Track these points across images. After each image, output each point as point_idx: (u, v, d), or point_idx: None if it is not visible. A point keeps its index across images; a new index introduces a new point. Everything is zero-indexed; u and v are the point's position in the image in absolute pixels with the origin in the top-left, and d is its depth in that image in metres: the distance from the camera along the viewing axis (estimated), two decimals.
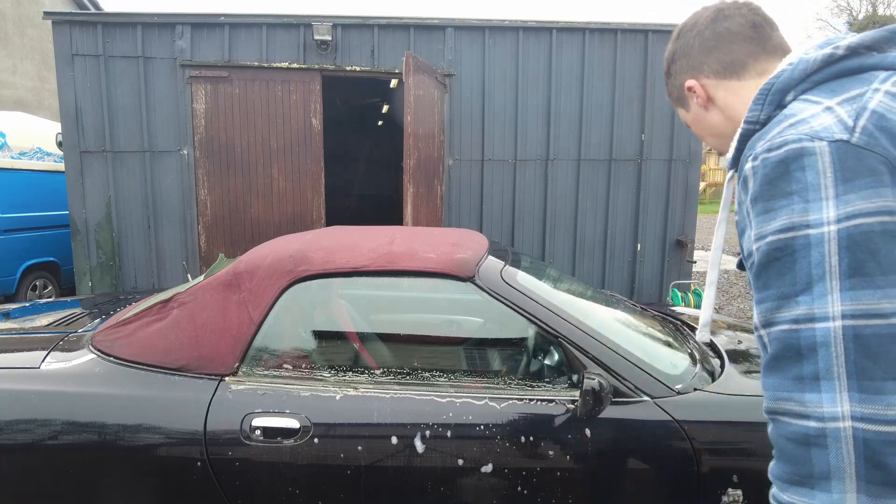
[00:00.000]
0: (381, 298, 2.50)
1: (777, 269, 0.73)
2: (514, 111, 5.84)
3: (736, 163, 0.93)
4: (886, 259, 0.68)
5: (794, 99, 0.82)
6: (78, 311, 2.59)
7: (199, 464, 1.67)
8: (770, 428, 0.75)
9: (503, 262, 1.98)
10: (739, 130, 0.89)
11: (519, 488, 1.65)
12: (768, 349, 0.75)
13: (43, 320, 2.42)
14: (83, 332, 2.14)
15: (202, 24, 5.54)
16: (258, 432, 1.67)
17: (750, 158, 0.78)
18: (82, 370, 1.79)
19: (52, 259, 6.46)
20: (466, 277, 1.83)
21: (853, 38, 0.81)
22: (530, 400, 1.70)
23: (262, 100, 5.67)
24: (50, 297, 6.47)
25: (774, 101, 0.83)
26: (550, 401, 1.70)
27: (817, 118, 0.75)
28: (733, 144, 0.92)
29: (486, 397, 1.70)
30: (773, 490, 0.75)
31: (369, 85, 8.71)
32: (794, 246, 0.71)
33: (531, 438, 1.65)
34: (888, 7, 27.46)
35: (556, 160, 5.91)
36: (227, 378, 1.75)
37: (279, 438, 1.67)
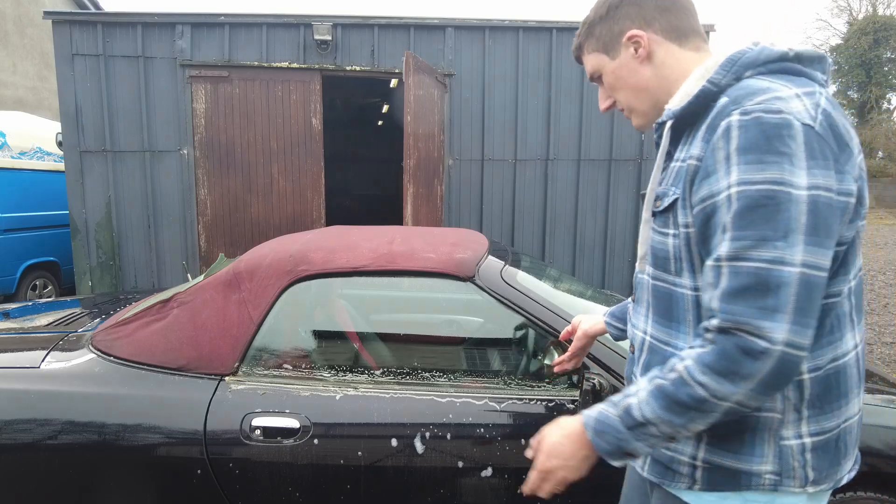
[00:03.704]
0: (381, 298, 2.50)
1: (763, 214, 0.84)
2: (514, 111, 5.84)
3: (684, 115, 0.99)
4: (827, 227, 0.85)
5: (750, 77, 0.94)
6: (78, 310, 2.59)
7: (199, 464, 1.67)
8: (719, 336, 0.87)
9: (503, 262, 1.98)
10: (699, 86, 0.97)
11: (519, 489, 1.65)
12: (726, 279, 0.87)
13: (43, 320, 2.42)
14: (83, 331, 2.14)
15: (202, 24, 5.54)
16: (258, 432, 1.67)
17: (738, 112, 0.88)
18: (82, 370, 1.79)
19: (52, 259, 6.46)
20: (466, 277, 1.83)
21: (798, 48, 0.96)
22: (530, 400, 1.70)
23: (262, 100, 5.67)
24: (50, 296, 6.47)
25: (737, 72, 0.95)
26: (550, 401, 1.70)
27: (793, 101, 0.87)
28: (686, 98, 0.99)
29: (486, 397, 1.70)
30: (689, 366, 0.89)
31: (369, 85, 8.71)
32: (780, 198, 0.84)
33: (531, 439, 1.65)
34: (888, 7, 27.42)
35: (556, 160, 5.91)
36: (227, 378, 1.75)
37: (279, 438, 1.67)
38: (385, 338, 2.16)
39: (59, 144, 6.75)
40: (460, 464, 1.65)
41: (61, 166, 5.95)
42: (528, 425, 1.66)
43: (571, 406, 1.68)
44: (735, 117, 0.87)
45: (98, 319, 2.33)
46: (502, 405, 1.69)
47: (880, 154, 25.88)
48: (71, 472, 1.70)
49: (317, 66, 5.66)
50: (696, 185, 0.93)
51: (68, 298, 3.25)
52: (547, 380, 1.77)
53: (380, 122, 12.68)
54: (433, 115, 5.30)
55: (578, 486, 1.66)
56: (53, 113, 9.81)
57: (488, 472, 1.65)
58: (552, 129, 5.86)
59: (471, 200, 5.92)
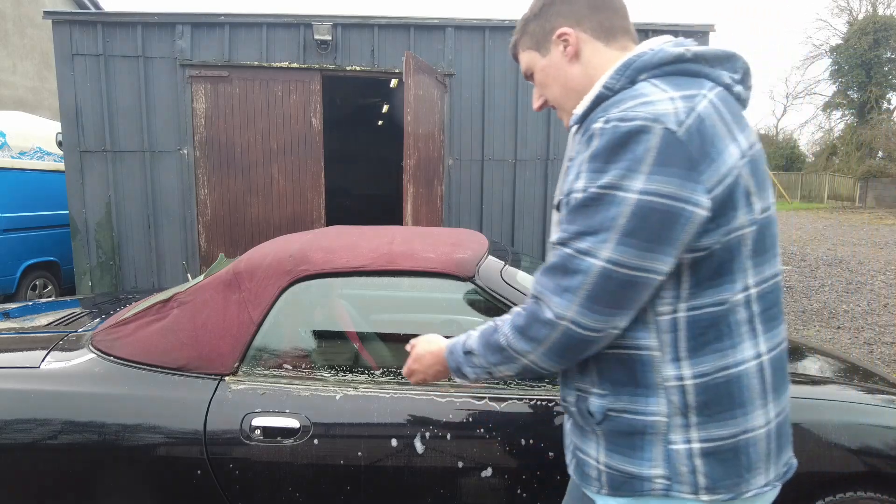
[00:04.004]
0: (381, 298, 2.50)
1: (585, 212, 0.93)
2: (514, 111, 5.84)
3: (584, 118, 1.03)
4: (655, 232, 0.89)
5: (645, 80, 0.97)
6: (78, 310, 2.59)
7: (199, 464, 1.67)
8: (530, 300, 0.99)
9: (503, 262, 1.98)
10: (596, 92, 1.00)
11: (518, 490, 1.65)
12: (552, 259, 0.97)
13: (43, 320, 2.42)
14: (83, 331, 2.14)
15: (202, 24, 5.54)
16: (258, 432, 1.67)
17: (602, 120, 0.92)
18: (82, 370, 1.79)
19: (52, 259, 6.46)
20: (466, 277, 1.82)
21: (699, 48, 0.98)
22: (530, 400, 1.70)
23: (262, 100, 5.67)
24: (50, 296, 6.47)
25: (631, 76, 0.98)
26: (550, 401, 1.70)
27: (662, 104, 0.90)
28: (585, 103, 1.02)
29: (485, 397, 1.70)
30: (507, 318, 1.04)
31: (369, 85, 8.72)
32: (605, 200, 0.90)
33: (531, 439, 1.65)
34: (888, 7, 27.42)
35: (556, 160, 5.91)
36: (227, 378, 1.75)
37: (279, 438, 1.67)
38: (385, 338, 2.15)
39: (59, 144, 6.75)
40: (460, 464, 1.65)
41: (61, 166, 5.95)
42: (529, 425, 1.66)
43: None
44: (598, 125, 0.92)
45: (98, 319, 2.33)
46: (502, 405, 1.69)
47: (880, 154, 25.87)
48: (71, 473, 1.70)
49: (317, 66, 5.66)
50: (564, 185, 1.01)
51: (68, 298, 3.25)
52: (546, 379, 1.77)
53: (380, 122, 12.68)
54: (433, 115, 5.30)
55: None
56: (53, 113, 9.81)
57: (488, 472, 1.65)
58: (552, 129, 5.86)
59: (471, 200, 5.92)
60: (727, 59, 0.99)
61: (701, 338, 0.95)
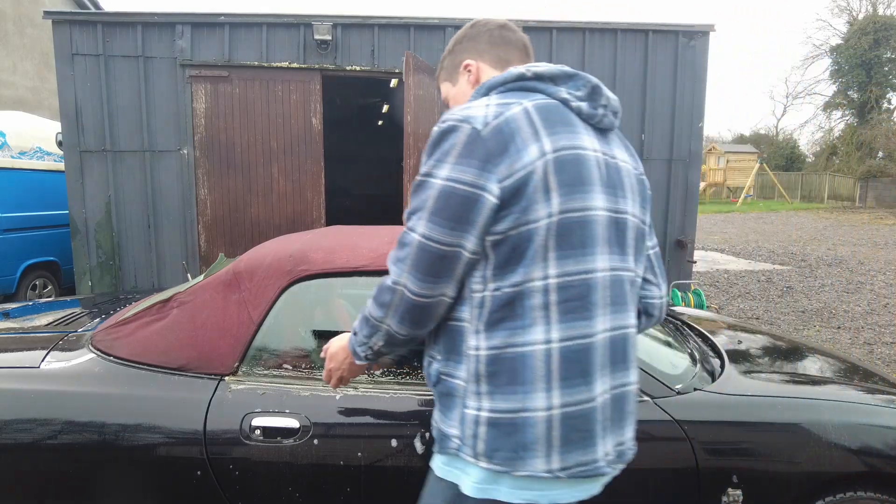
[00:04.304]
0: None
1: (413, 195, 1.09)
2: None
3: None
4: (455, 212, 1.03)
5: (492, 95, 1.13)
6: (78, 310, 2.59)
7: (199, 464, 1.67)
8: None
9: None
10: None
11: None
12: None
13: (43, 320, 2.42)
14: (83, 331, 2.14)
15: (202, 24, 5.54)
16: (258, 432, 1.67)
17: (437, 124, 1.09)
18: (82, 370, 1.79)
19: (52, 259, 6.45)
20: None
21: (541, 69, 1.14)
22: None
23: (262, 99, 5.67)
24: (50, 296, 6.46)
25: (485, 93, 1.15)
26: None
27: (477, 109, 1.07)
28: None
29: None
30: (372, 295, 1.15)
31: (369, 85, 8.71)
32: (423, 185, 1.07)
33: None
34: (888, 7, 27.42)
35: None
36: (226, 378, 1.75)
37: (279, 438, 1.67)
38: None
39: (59, 144, 6.75)
40: None
41: (61, 166, 5.95)
42: None
43: None
44: (434, 128, 1.10)
45: (98, 319, 2.33)
46: None
47: (880, 154, 25.87)
48: (71, 473, 1.70)
49: (317, 66, 5.66)
50: None
51: (68, 298, 3.25)
52: None
53: (380, 122, 12.67)
54: (433, 115, 5.30)
55: None
56: (53, 113, 9.81)
57: None
58: None
59: None
60: (569, 78, 1.15)
61: (497, 314, 1.07)
